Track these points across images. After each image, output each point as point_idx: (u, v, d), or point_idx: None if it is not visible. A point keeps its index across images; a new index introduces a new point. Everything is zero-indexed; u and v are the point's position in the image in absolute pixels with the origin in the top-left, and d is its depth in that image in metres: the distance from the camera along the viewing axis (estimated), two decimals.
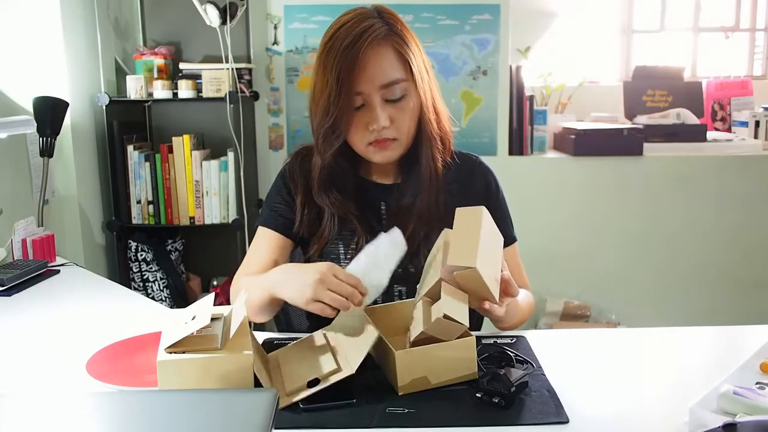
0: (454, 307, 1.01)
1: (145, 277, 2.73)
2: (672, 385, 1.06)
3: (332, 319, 1.36)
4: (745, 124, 3.17)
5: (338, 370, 1.03)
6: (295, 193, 1.37)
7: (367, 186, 1.38)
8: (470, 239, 1.04)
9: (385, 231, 1.33)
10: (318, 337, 1.16)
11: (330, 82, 1.21)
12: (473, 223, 1.07)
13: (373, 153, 1.28)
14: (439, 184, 1.32)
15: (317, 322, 1.45)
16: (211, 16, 2.62)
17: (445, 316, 0.99)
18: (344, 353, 1.07)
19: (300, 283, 1.06)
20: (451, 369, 1.04)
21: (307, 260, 1.40)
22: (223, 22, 2.64)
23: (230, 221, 2.70)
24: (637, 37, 3.51)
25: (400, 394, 1.02)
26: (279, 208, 1.38)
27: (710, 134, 3.10)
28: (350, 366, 1.02)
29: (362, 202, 1.35)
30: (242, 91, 2.70)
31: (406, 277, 1.28)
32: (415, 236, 1.30)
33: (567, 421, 0.94)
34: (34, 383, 1.11)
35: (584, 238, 3.02)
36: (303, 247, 1.40)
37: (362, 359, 1.01)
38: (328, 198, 1.32)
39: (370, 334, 1.05)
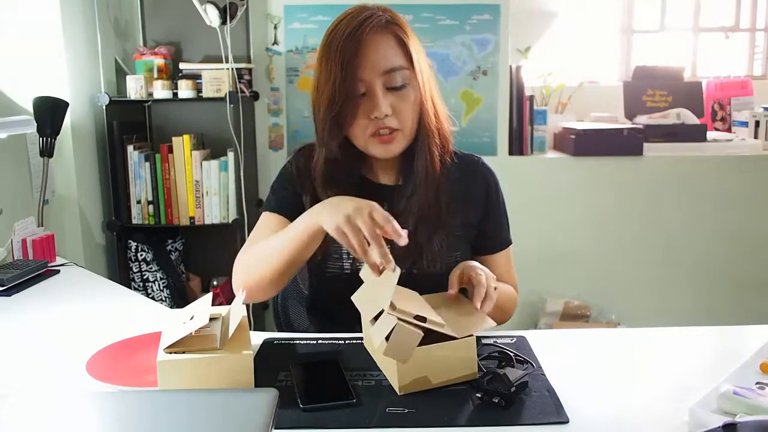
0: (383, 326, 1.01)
1: (145, 277, 2.74)
2: (672, 385, 1.06)
3: (334, 318, 1.36)
4: (745, 124, 3.17)
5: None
6: (299, 189, 1.35)
7: (370, 187, 1.36)
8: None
9: None
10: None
11: (334, 70, 1.21)
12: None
13: (375, 146, 1.27)
14: (438, 183, 1.31)
15: (318, 321, 1.45)
16: (211, 16, 2.62)
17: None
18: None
19: (337, 209, 1.07)
20: (451, 369, 1.04)
21: (309, 261, 1.39)
22: (223, 22, 2.64)
23: (230, 221, 2.70)
24: (637, 37, 3.51)
25: (400, 394, 1.02)
26: (287, 195, 1.36)
27: (710, 134, 3.10)
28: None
29: None
30: (242, 91, 2.70)
31: (409, 280, 1.26)
32: (417, 238, 1.30)
33: (567, 421, 0.94)
34: (34, 383, 1.11)
35: (584, 238, 3.02)
36: None
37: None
38: (331, 193, 1.28)
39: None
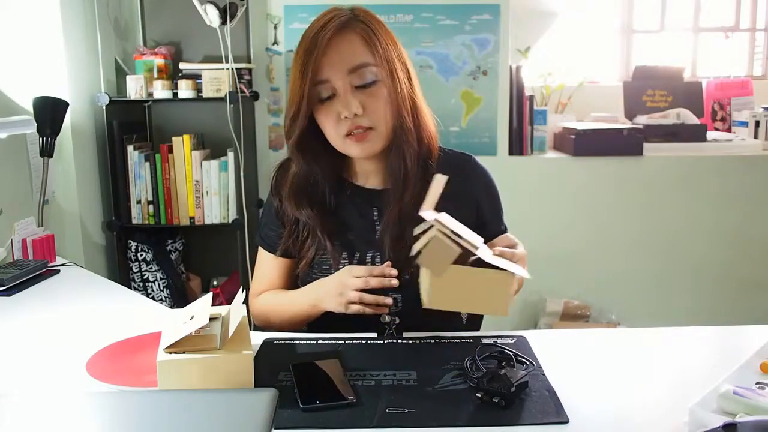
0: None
1: (145, 277, 2.73)
2: (672, 385, 1.06)
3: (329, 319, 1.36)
4: (745, 124, 3.17)
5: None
6: (282, 208, 1.37)
7: (358, 192, 1.35)
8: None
9: (379, 238, 1.31)
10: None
11: (296, 72, 1.25)
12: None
13: (351, 146, 1.26)
14: (426, 182, 1.29)
15: (316, 320, 1.44)
16: (211, 16, 2.62)
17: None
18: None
19: (332, 294, 1.22)
20: (482, 299, 1.04)
21: (297, 275, 1.39)
22: (223, 22, 2.64)
23: (230, 221, 2.70)
24: (637, 37, 3.51)
25: (426, 306, 1.04)
26: (272, 230, 1.40)
27: (710, 134, 3.10)
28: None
29: (353, 208, 1.33)
30: (242, 91, 2.70)
31: (402, 284, 1.24)
32: (406, 241, 1.27)
33: (567, 421, 0.94)
34: (34, 383, 1.11)
35: (584, 238, 3.02)
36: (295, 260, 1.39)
37: None
38: (303, 210, 1.31)
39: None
